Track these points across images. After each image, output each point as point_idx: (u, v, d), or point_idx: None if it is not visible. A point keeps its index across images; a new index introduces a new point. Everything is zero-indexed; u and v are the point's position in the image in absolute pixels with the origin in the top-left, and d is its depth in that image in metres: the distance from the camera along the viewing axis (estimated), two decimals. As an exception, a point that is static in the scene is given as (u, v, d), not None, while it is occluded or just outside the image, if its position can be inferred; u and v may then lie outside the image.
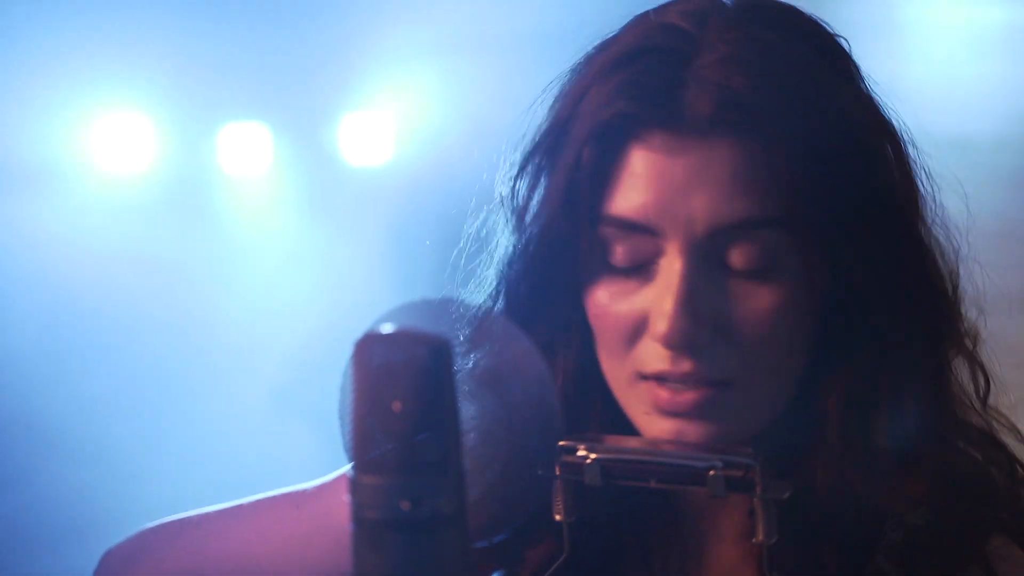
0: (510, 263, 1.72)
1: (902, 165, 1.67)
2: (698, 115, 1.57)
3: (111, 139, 4.19)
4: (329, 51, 4.37)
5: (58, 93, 4.05)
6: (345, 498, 1.85)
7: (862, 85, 1.68)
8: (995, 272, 1.76)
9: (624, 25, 1.67)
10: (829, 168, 1.58)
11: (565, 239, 1.64)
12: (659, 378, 1.58)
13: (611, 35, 1.67)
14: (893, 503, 1.61)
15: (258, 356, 4.31)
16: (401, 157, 4.47)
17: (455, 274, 1.80)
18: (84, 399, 4.09)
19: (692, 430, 1.58)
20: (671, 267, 1.58)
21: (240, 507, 1.95)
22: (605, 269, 1.63)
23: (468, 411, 1.66)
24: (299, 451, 3.76)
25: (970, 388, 1.73)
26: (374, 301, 3.95)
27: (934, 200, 1.70)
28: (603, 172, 1.61)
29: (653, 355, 1.59)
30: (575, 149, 1.63)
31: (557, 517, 1.45)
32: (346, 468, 1.89)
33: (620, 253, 1.60)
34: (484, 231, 1.78)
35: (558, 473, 1.43)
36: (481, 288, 1.77)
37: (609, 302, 1.61)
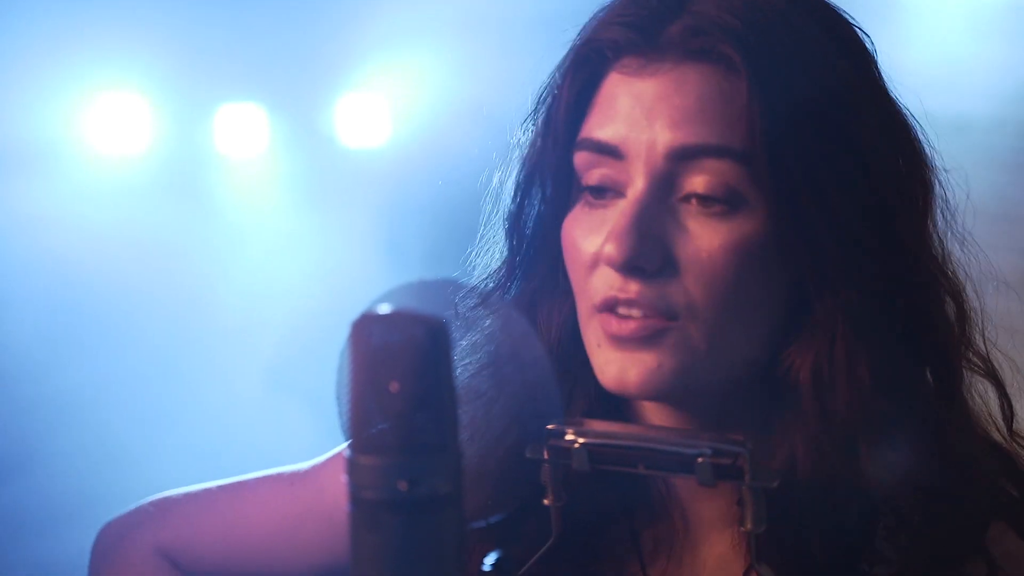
0: (509, 214, 1.74)
1: (903, 155, 1.67)
2: (673, 39, 1.60)
3: (108, 120, 4.19)
4: (325, 32, 4.36)
5: (55, 75, 4.04)
6: (340, 478, 1.87)
7: (872, 71, 1.68)
8: (993, 253, 1.76)
9: None
10: (801, 117, 1.58)
11: (546, 166, 1.67)
12: (609, 307, 1.59)
13: None
14: (876, 483, 1.61)
15: (254, 336, 4.31)
16: (397, 138, 4.47)
17: (461, 250, 1.82)
18: (80, 380, 4.09)
19: (637, 360, 1.59)
20: (632, 193, 1.59)
21: (235, 485, 1.96)
22: (581, 207, 1.65)
23: (465, 392, 1.67)
24: (294, 431, 3.77)
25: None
26: (370, 282, 3.96)
27: (941, 194, 1.70)
28: (581, 98, 1.65)
29: (604, 282, 1.60)
30: (558, 77, 1.68)
31: (546, 501, 1.45)
32: (340, 448, 1.90)
33: (592, 180, 1.62)
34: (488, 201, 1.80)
35: (546, 457, 1.42)
36: (486, 252, 1.78)
37: (578, 236, 1.63)
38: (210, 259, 4.30)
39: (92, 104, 4.16)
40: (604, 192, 1.62)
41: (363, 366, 1.07)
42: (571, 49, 1.68)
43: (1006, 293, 1.81)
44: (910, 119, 1.69)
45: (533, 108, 1.72)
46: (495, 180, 1.77)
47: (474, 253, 1.80)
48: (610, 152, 1.61)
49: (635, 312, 1.58)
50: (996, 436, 1.74)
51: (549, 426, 1.43)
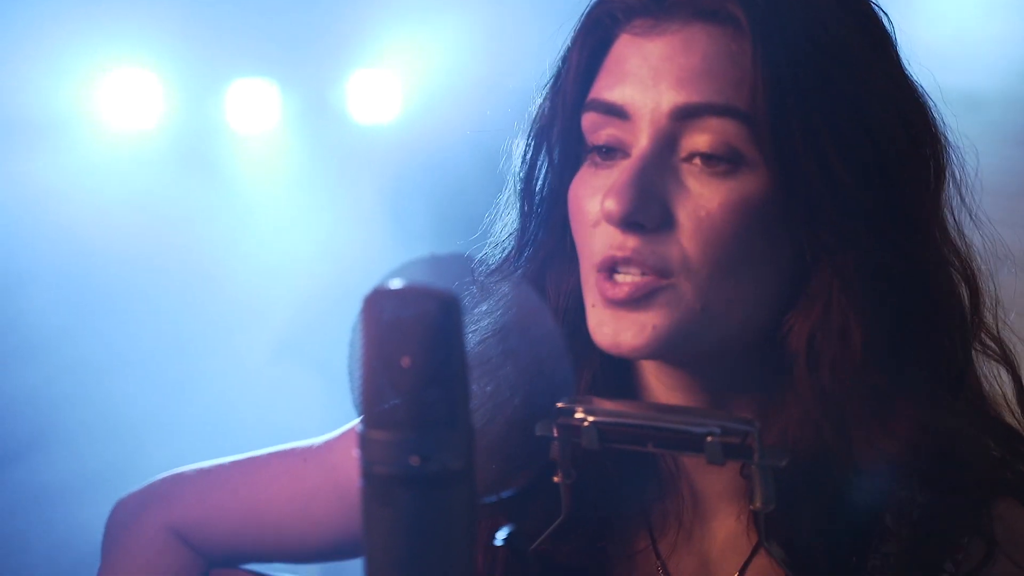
0: (520, 179, 1.75)
1: (912, 128, 1.66)
2: (682, 0, 1.61)
3: (120, 95, 4.19)
4: (337, 8, 4.35)
5: (67, 50, 4.04)
6: (352, 454, 1.87)
7: (884, 43, 1.68)
8: (1008, 231, 1.75)
9: None
10: (805, 80, 1.58)
11: (555, 130, 1.68)
12: (607, 268, 1.60)
13: None
14: (871, 459, 1.61)
15: (265, 310, 4.32)
16: (408, 114, 4.46)
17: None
18: (93, 354, 4.09)
19: (630, 320, 1.59)
20: (635, 151, 1.60)
21: (247, 461, 1.97)
22: (587, 168, 1.66)
23: (476, 361, 1.67)
24: (306, 404, 3.77)
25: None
26: (380, 256, 3.96)
27: (952, 173, 1.70)
28: (592, 62, 1.66)
29: (604, 240, 1.61)
30: (569, 42, 1.69)
31: (555, 479, 1.45)
32: (352, 424, 1.90)
33: (599, 141, 1.64)
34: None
35: (555, 435, 1.42)
36: (502, 218, 1.79)
37: (583, 196, 1.64)
38: (221, 234, 4.30)
39: (105, 80, 4.16)
40: (611, 152, 1.63)
41: (375, 341, 1.08)
42: (583, 13, 1.69)
43: (1021, 273, 1.81)
44: (923, 95, 1.69)
45: (548, 75, 1.72)
46: (510, 148, 1.77)
47: (488, 221, 1.81)
48: (617, 113, 1.62)
49: (632, 272, 1.59)
50: (1011, 420, 1.74)
51: (559, 404, 1.43)
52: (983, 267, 1.71)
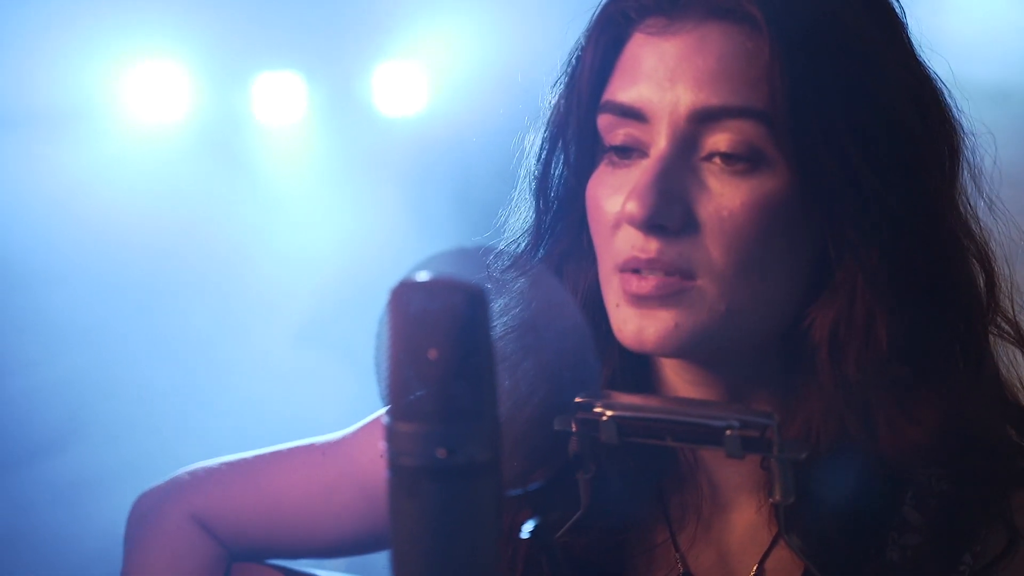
0: (535, 176, 1.74)
1: (928, 118, 1.66)
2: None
3: (147, 88, 4.19)
4: (364, 1, 4.35)
5: (94, 42, 4.05)
6: (373, 447, 1.88)
7: (899, 34, 1.67)
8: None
9: None
10: (823, 77, 1.57)
11: (570, 129, 1.68)
12: (630, 270, 1.60)
13: None
14: (895, 448, 1.61)
15: (292, 301, 4.32)
16: (434, 107, 4.46)
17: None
18: (119, 345, 4.11)
19: (654, 318, 1.59)
20: (654, 153, 1.59)
21: (269, 454, 1.97)
22: (604, 168, 1.65)
23: (500, 356, 1.67)
24: (329, 394, 3.78)
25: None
26: (405, 249, 3.96)
27: (968, 162, 1.69)
28: (606, 60, 1.66)
29: (626, 242, 1.60)
30: (582, 39, 1.68)
31: (577, 476, 1.45)
32: (372, 418, 1.91)
33: (616, 142, 1.63)
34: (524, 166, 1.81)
35: (574, 429, 1.42)
36: (518, 215, 1.79)
37: (602, 196, 1.64)
38: (248, 226, 4.31)
39: (132, 72, 4.17)
40: (628, 152, 1.63)
41: (401, 333, 1.08)
42: (596, 11, 1.68)
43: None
44: (939, 84, 1.68)
45: (562, 72, 1.72)
46: (527, 143, 1.77)
47: (506, 216, 1.81)
48: (634, 115, 1.61)
49: (656, 273, 1.59)
50: None
51: (577, 399, 1.43)
52: (1006, 257, 1.71)
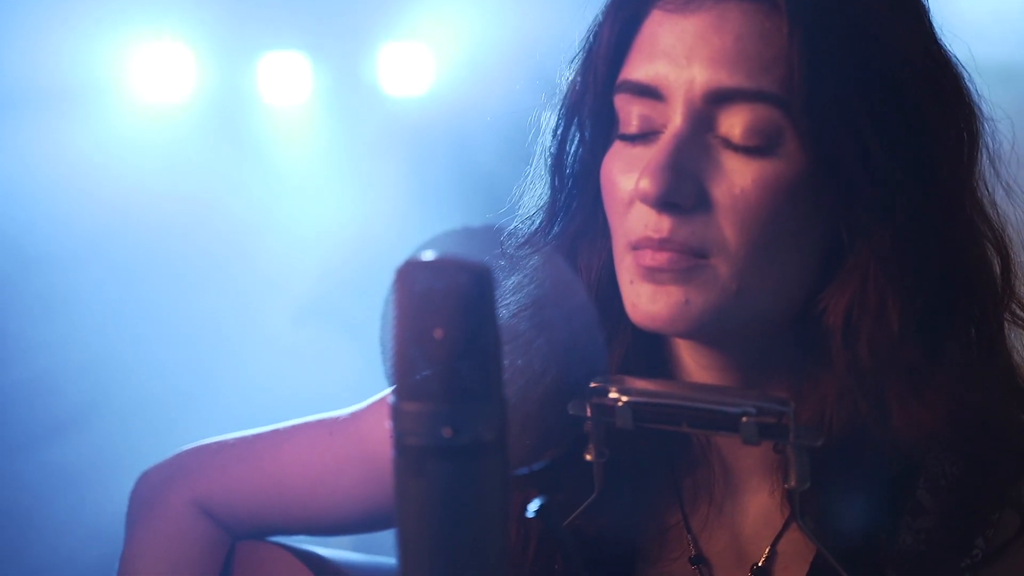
0: (550, 154, 1.74)
1: (947, 102, 1.65)
2: None
3: (152, 68, 4.19)
4: (369, -20, 4.35)
5: (100, 23, 4.05)
6: (379, 426, 1.87)
7: (920, 15, 1.66)
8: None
9: None
10: (840, 59, 1.56)
11: (586, 107, 1.67)
12: (644, 246, 1.59)
13: None
14: (907, 432, 1.60)
15: (297, 281, 4.33)
16: (439, 87, 4.46)
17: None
18: (126, 324, 4.11)
19: (666, 294, 1.59)
20: (668, 131, 1.59)
21: (272, 433, 1.97)
22: (619, 145, 1.64)
23: (508, 334, 1.67)
24: (338, 374, 3.78)
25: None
26: (412, 228, 3.96)
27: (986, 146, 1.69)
28: (623, 38, 1.64)
29: (639, 220, 1.60)
30: (600, 16, 1.67)
31: (588, 457, 1.44)
32: (377, 397, 1.90)
33: (632, 120, 1.62)
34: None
35: (589, 414, 1.42)
36: (532, 192, 1.79)
37: (616, 173, 1.63)
38: (253, 206, 4.31)
39: (137, 52, 4.17)
40: (644, 135, 1.62)
41: (407, 313, 1.07)
42: None
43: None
44: (959, 68, 1.67)
45: (578, 49, 1.71)
46: (543, 121, 1.76)
47: (517, 194, 1.80)
48: (650, 93, 1.61)
49: (667, 249, 1.58)
50: None
51: (592, 384, 1.42)
52: (1016, 238, 1.70)
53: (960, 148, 1.65)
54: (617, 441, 1.47)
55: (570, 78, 1.72)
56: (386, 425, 1.09)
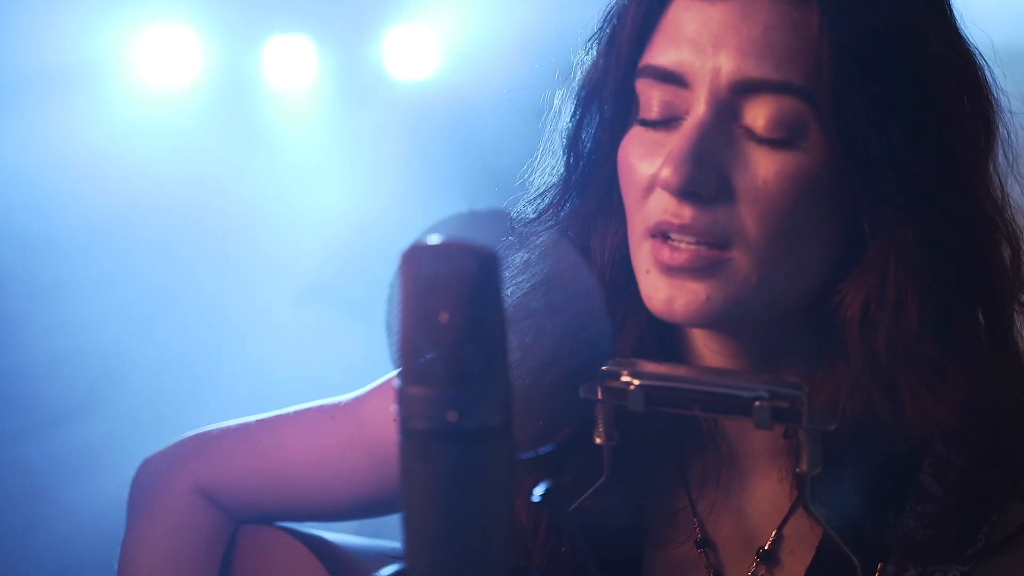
0: (567, 132, 1.73)
1: (968, 95, 1.64)
2: None
3: (158, 52, 4.19)
4: (374, -36, 4.35)
5: (106, 6, 4.04)
6: (381, 410, 1.87)
7: (944, 12, 1.66)
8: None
9: None
10: (869, 52, 1.56)
11: (607, 87, 1.66)
12: (662, 233, 1.59)
13: None
14: (919, 424, 1.60)
15: (303, 265, 4.33)
16: (444, 70, 4.45)
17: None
18: (130, 311, 4.11)
19: (685, 289, 1.58)
20: (692, 119, 1.58)
21: (274, 419, 1.96)
22: (639, 129, 1.64)
23: (516, 312, 1.67)
24: (343, 357, 3.78)
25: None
26: (416, 212, 3.96)
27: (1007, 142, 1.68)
28: (648, 20, 1.63)
29: (658, 206, 1.59)
30: (623, 2, 1.66)
31: (598, 440, 1.44)
32: (381, 381, 1.90)
33: (653, 105, 1.61)
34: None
35: (600, 397, 1.41)
36: (544, 170, 1.78)
37: (635, 158, 1.63)
38: (259, 190, 4.31)
39: (142, 36, 4.17)
40: (666, 121, 1.61)
41: (413, 296, 1.07)
42: None
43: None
44: (977, 57, 1.67)
45: (598, 27, 1.70)
46: (556, 100, 1.76)
47: (526, 174, 1.80)
48: (674, 80, 1.60)
49: (688, 239, 1.58)
50: None
51: (604, 367, 1.42)
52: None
53: (979, 141, 1.65)
54: (626, 424, 1.47)
55: (591, 57, 1.71)
56: (389, 409, 1.09)
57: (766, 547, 1.73)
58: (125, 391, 4.07)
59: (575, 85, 1.72)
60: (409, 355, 1.07)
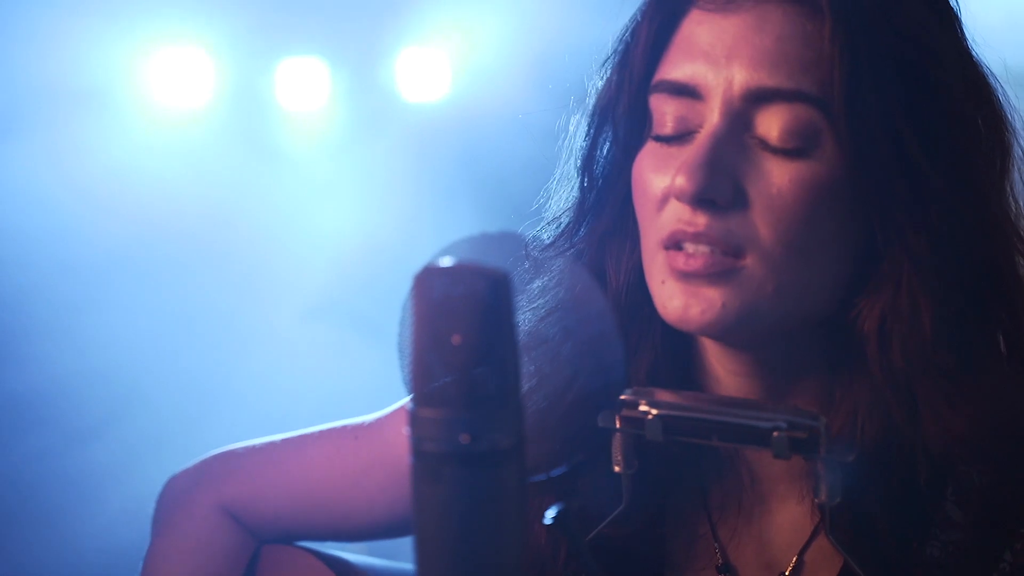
0: (581, 152, 1.74)
1: (982, 112, 1.65)
2: None
3: (171, 73, 4.20)
4: (386, -14, 4.36)
5: (119, 27, 4.06)
6: (403, 431, 1.87)
7: (955, 26, 1.66)
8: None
9: None
10: (881, 63, 1.56)
11: (620, 105, 1.67)
12: (676, 242, 1.59)
13: None
14: (939, 439, 1.60)
15: (314, 286, 4.33)
16: (456, 93, 4.46)
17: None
18: (145, 330, 4.12)
19: (701, 296, 1.58)
20: (706, 128, 1.59)
21: (298, 439, 1.97)
22: (653, 145, 1.64)
23: (532, 337, 1.66)
24: (358, 377, 3.78)
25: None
26: (428, 234, 3.96)
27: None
28: (660, 37, 1.64)
29: (673, 215, 1.59)
30: (638, 15, 1.67)
31: (616, 469, 1.44)
32: (404, 401, 1.90)
33: (667, 120, 1.62)
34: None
35: (619, 426, 1.41)
36: (560, 192, 1.78)
37: (649, 172, 1.63)
38: (272, 212, 4.31)
39: (155, 57, 4.18)
40: (680, 136, 1.62)
41: (425, 319, 1.07)
42: None
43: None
44: (989, 72, 1.67)
45: (612, 50, 1.71)
46: (571, 124, 1.76)
47: (542, 197, 1.80)
48: (688, 92, 1.60)
49: (702, 248, 1.58)
50: None
51: (622, 396, 1.41)
52: None
53: (994, 154, 1.65)
54: (645, 452, 1.46)
55: (605, 77, 1.71)
56: (406, 431, 1.09)
57: (787, 573, 1.73)
58: (142, 410, 4.07)
59: (589, 107, 1.73)
60: (422, 377, 1.08)
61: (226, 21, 4.21)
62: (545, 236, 1.77)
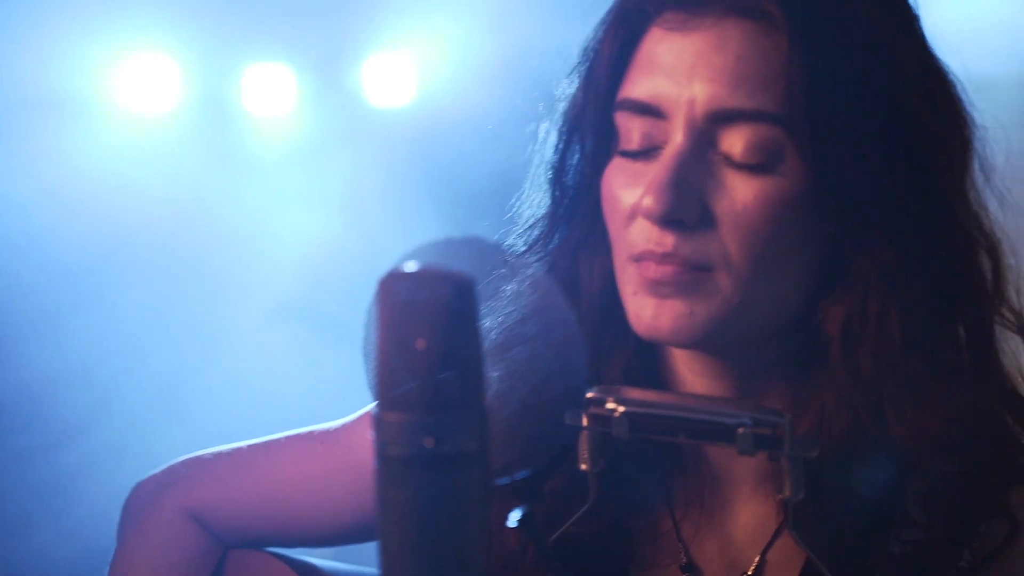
0: (550, 166, 1.75)
1: (943, 113, 1.66)
2: None
3: (138, 79, 4.20)
4: (352, -9, 4.36)
5: (85, 34, 4.05)
6: (369, 436, 1.88)
7: (914, 27, 1.67)
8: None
9: None
10: (841, 75, 1.58)
11: (586, 122, 1.68)
12: (647, 259, 1.60)
13: None
14: (905, 440, 1.61)
15: (280, 291, 4.33)
16: (423, 98, 4.46)
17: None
18: (113, 335, 4.11)
19: (670, 307, 1.60)
20: (670, 148, 1.59)
21: (265, 444, 1.97)
22: (620, 160, 1.65)
23: (498, 351, 1.67)
24: (325, 380, 3.78)
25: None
26: (394, 239, 3.97)
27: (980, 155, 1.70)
28: (622, 54, 1.65)
29: (642, 234, 1.61)
30: (600, 33, 1.68)
31: (583, 467, 1.44)
32: (371, 406, 1.91)
33: (634, 136, 1.63)
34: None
35: (585, 424, 1.42)
36: (530, 202, 1.79)
37: (617, 188, 1.64)
38: (238, 217, 4.31)
39: (122, 63, 4.18)
40: (646, 151, 1.63)
41: (390, 323, 1.08)
42: (613, 4, 1.68)
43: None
44: (951, 77, 1.68)
45: (578, 61, 1.72)
46: (540, 132, 1.77)
47: (513, 205, 1.81)
48: (651, 112, 1.62)
49: (670, 262, 1.59)
50: None
51: (588, 394, 1.42)
52: (1011, 246, 1.71)
53: (953, 156, 1.66)
54: (611, 450, 1.47)
55: (570, 92, 1.73)
56: (368, 436, 1.10)
57: (750, 572, 1.74)
58: (110, 416, 4.07)
59: (557, 119, 1.74)
60: (386, 381, 1.08)
61: (193, 28, 4.21)
62: (517, 242, 1.78)
